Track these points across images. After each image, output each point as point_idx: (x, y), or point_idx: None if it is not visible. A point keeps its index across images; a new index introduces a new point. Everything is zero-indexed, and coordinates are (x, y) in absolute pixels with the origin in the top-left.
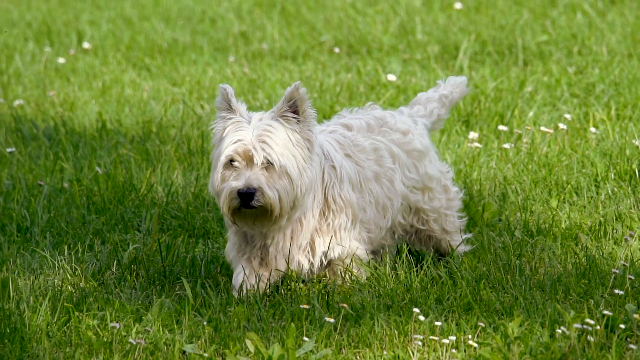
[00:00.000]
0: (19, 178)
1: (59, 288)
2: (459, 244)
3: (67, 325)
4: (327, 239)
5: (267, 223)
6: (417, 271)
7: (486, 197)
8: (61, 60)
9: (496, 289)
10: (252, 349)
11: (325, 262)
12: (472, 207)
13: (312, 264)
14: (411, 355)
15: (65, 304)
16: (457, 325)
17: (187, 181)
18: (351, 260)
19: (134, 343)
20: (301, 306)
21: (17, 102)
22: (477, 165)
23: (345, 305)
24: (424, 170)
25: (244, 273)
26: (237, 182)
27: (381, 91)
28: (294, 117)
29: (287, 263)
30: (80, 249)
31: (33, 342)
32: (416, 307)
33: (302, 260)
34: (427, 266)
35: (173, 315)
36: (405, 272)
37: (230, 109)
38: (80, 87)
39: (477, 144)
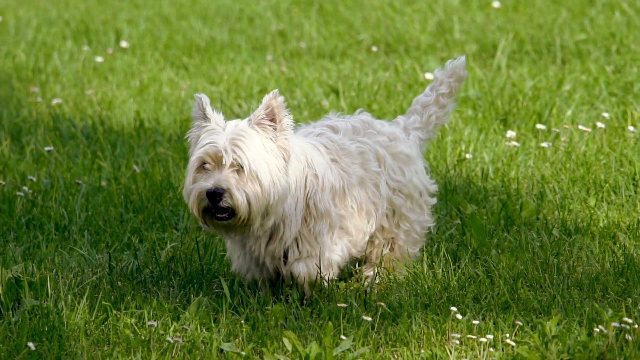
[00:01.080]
0: (57, 177)
1: (97, 286)
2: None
3: (105, 323)
4: (307, 244)
5: (239, 229)
6: (454, 270)
7: (524, 196)
8: (99, 59)
9: (534, 287)
10: (289, 347)
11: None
12: (509, 206)
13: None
14: (449, 353)
15: (103, 302)
16: (494, 323)
17: None
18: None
19: (172, 341)
20: (339, 305)
21: (55, 101)
22: (515, 164)
23: (382, 303)
24: (410, 177)
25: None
26: (206, 183)
27: (419, 90)
28: (270, 125)
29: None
30: (118, 248)
31: (71, 341)
32: (454, 305)
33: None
34: (465, 265)
35: (211, 314)
36: (442, 270)
37: (205, 117)
38: (118, 86)
39: (515, 143)
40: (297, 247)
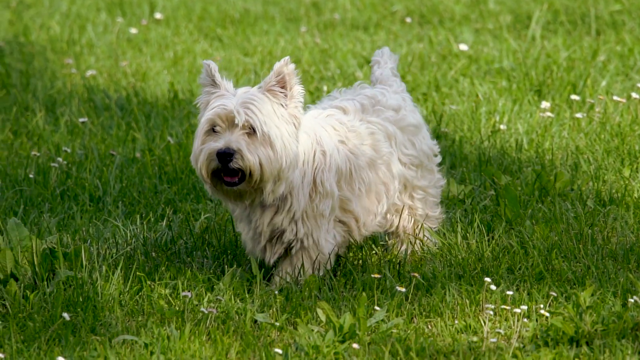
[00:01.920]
0: (91, 148)
1: (131, 257)
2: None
3: (139, 294)
4: (310, 222)
5: (249, 195)
6: (488, 241)
7: (558, 167)
8: (133, 30)
9: (568, 258)
10: (323, 318)
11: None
12: (544, 177)
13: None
14: (483, 324)
15: (137, 273)
16: (528, 294)
17: None
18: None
19: (206, 312)
20: (372, 275)
21: (89, 73)
22: (550, 135)
23: (416, 274)
24: (420, 146)
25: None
26: (216, 143)
27: (453, 61)
28: (281, 92)
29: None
30: (152, 219)
31: (105, 311)
32: (487, 276)
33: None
34: (499, 235)
35: (244, 285)
36: (476, 241)
37: (214, 84)
38: (152, 58)
39: (549, 114)
40: (296, 225)
